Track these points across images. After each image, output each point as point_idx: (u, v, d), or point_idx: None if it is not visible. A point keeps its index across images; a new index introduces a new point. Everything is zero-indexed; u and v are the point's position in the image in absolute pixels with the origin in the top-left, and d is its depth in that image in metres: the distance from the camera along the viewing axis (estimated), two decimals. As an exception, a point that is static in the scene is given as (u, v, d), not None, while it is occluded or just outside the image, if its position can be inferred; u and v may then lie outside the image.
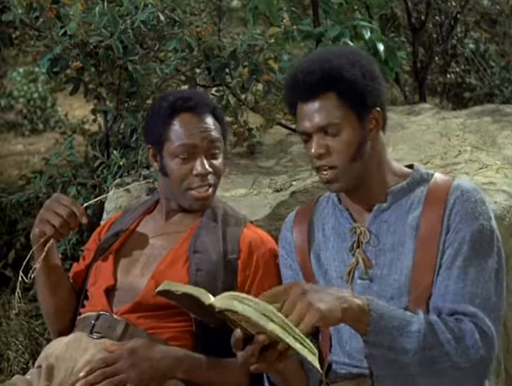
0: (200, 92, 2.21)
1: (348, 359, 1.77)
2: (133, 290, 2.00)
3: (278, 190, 2.73)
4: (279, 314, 1.47)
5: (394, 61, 3.32)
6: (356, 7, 3.80)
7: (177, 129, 2.06)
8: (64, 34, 2.69)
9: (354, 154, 1.74)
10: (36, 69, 6.49)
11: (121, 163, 2.81)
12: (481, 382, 1.66)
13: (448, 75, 4.98)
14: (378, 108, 1.77)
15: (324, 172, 1.76)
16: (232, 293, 1.52)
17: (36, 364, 1.98)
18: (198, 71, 3.18)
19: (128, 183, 2.70)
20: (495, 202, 2.33)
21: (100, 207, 2.76)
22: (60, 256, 2.20)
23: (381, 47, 3.23)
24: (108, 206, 2.66)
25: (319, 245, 1.86)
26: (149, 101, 2.90)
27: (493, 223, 1.71)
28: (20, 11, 2.75)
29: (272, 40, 2.95)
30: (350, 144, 1.74)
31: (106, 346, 1.89)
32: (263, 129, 3.38)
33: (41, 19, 2.77)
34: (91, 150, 3.63)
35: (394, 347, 1.57)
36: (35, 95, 6.65)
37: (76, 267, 2.22)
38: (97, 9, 2.68)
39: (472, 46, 5.06)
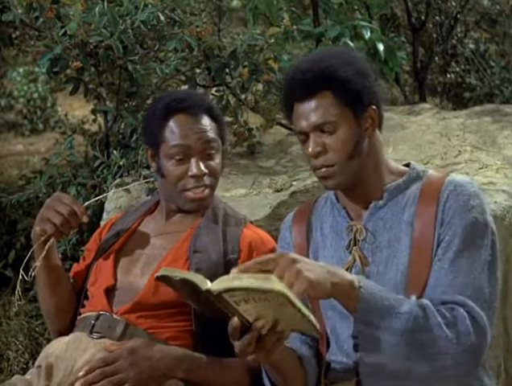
0: (196, 93, 2.21)
1: (346, 359, 1.77)
2: (133, 290, 2.00)
3: (278, 190, 2.74)
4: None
5: (394, 61, 3.32)
6: (356, 7, 3.80)
7: (172, 131, 2.06)
8: (64, 34, 2.70)
9: (351, 152, 1.75)
10: (36, 69, 6.49)
11: (121, 163, 2.81)
12: (472, 371, 1.65)
13: (448, 75, 4.99)
14: (374, 107, 1.78)
15: (322, 169, 1.77)
16: (228, 275, 1.50)
17: (36, 364, 1.98)
18: (198, 71, 3.18)
19: (128, 183, 2.70)
20: (495, 202, 2.33)
21: (100, 207, 2.76)
22: (60, 256, 2.20)
23: (381, 47, 3.23)
24: (108, 206, 2.66)
25: (317, 244, 1.87)
26: (149, 101, 2.90)
27: (488, 216, 1.71)
28: (20, 11, 2.75)
29: (272, 40, 2.95)
30: (347, 141, 1.75)
31: (106, 345, 1.89)
32: (263, 129, 3.38)
33: (41, 19, 2.77)
34: (91, 150, 3.63)
35: (382, 327, 1.58)
36: (35, 95, 6.65)
37: (77, 267, 2.22)
38: (97, 9, 2.68)
39: (472, 46, 5.06)
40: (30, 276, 2.04)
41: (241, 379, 1.93)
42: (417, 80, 4.46)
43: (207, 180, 2.07)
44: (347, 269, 1.77)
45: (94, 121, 3.78)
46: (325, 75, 1.74)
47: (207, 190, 2.08)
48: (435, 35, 4.65)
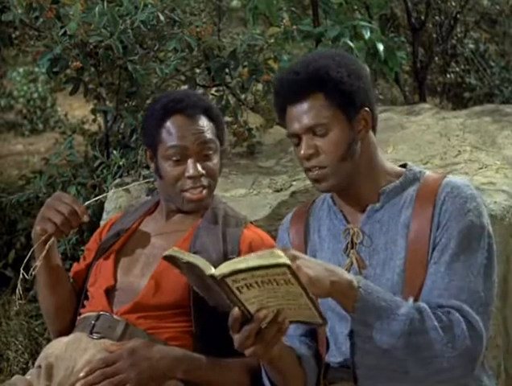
0: (193, 93, 2.21)
1: (344, 360, 1.77)
2: (133, 290, 2.00)
3: (278, 191, 2.73)
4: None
5: (394, 61, 3.31)
6: (356, 7, 3.80)
7: (169, 132, 2.06)
8: (64, 34, 2.70)
9: (343, 154, 1.75)
10: (36, 69, 6.49)
11: (120, 163, 2.81)
12: (468, 375, 1.65)
13: (448, 75, 4.99)
14: (367, 109, 1.78)
15: (314, 171, 1.77)
16: (233, 260, 1.50)
17: (36, 364, 1.98)
18: (198, 71, 3.18)
19: (128, 183, 2.70)
20: (495, 202, 2.33)
21: (100, 207, 2.76)
22: (60, 255, 2.20)
23: (381, 47, 3.23)
24: (108, 206, 2.66)
25: (315, 246, 1.87)
26: (149, 101, 2.90)
27: (485, 219, 1.71)
28: (20, 11, 2.75)
29: (272, 40, 2.95)
30: (339, 144, 1.74)
31: (106, 346, 1.89)
32: (263, 129, 3.38)
33: (41, 19, 2.77)
34: (91, 150, 3.63)
35: (379, 328, 1.58)
36: (35, 95, 6.65)
37: (77, 267, 2.22)
38: (96, 9, 2.68)
39: (472, 46, 5.06)
40: (31, 275, 2.04)
41: (241, 380, 1.93)
42: (417, 80, 4.46)
43: (204, 181, 2.07)
44: None
45: (94, 121, 3.78)
46: (317, 76, 1.74)
47: (205, 191, 2.08)
48: (434, 35, 4.65)
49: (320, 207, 1.92)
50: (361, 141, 1.78)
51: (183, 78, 3.09)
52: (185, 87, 3.08)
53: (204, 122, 2.08)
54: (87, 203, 2.19)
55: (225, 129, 2.28)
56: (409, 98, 4.52)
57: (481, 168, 2.63)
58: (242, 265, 1.44)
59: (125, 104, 2.98)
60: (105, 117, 3.15)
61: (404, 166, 1.86)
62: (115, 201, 2.65)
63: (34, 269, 2.05)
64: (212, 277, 1.48)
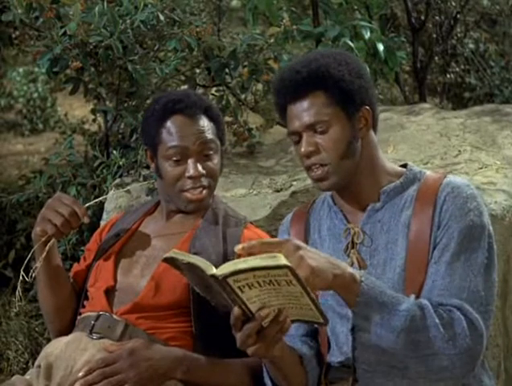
0: (193, 93, 2.21)
1: (345, 359, 1.77)
2: (133, 291, 2.00)
3: (278, 191, 2.73)
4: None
5: (394, 61, 3.31)
6: (356, 7, 3.80)
7: (169, 132, 2.06)
8: (64, 34, 2.69)
9: (344, 152, 1.75)
10: (36, 69, 6.49)
11: (120, 163, 2.81)
12: (468, 373, 1.65)
13: (448, 75, 4.99)
14: (367, 107, 1.78)
15: (315, 170, 1.76)
16: (234, 260, 1.50)
17: (36, 364, 1.98)
18: (198, 71, 3.18)
19: (128, 183, 2.70)
20: (495, 202, 2.33)
21: (100, 207, 2.76)
22: (60, 256, 2.20)
23: (381, 47, 3.23)
24: (108, 206, 2.66)
25: (315, 246, 1.86)
26: (149, 101, 2.90)
27: (485, 218, 1.71)
28: (20, 11, 2.75)
29: (272, 40, 2.95)
30: (339, 141, 1.75)
31: (106, 346, 1.89)
32: (263, 129, 3.38)
33: (41, 19, 2.77)
34: (91, 150, 3.63)
35: (380, 323, 1.59)
36: (35, 95, 6.65)
37: (77, 267, 2.22)
38: (96, 9, 2.68)
39: (471, 46, 5.06)
40: (31, 276, 2.04)
41: (241, 380, 1.93)
42: (417, 79, 4.46)
43: (204, 181, 2.07)
44: None
45: (94, 120, 3.78)
46: (318, 74, 1.74)
47: (205, 191, 2.08)
48: (434, 35, 4.65)
49: (320, 207, 1.92)
50: (361, 139, 1.78)
51: (183, 78, 3.09)
52: (185, 87, 3.08)
53: (204, 122, 2.08)
54: (87, 204, 2.19)
55: (225, 129, 2.28)
56: (409, 98, 4.51)
57: (480, 168, 2.63)
58: (244, 266, 1.44)
59: (125, 104, 2.98)
60: (105, 117, 3.14)
61: (404, 166, 1.86)
62: (115, 201, 2.65)
63: (34, 271, 2.05)
64: (213, 276, 1.48)
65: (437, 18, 4.62)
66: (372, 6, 3.73)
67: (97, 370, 1.82)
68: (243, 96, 3.13)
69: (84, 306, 2.09)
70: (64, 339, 1.96)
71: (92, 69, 2.86)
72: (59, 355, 1.91)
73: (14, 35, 3.72)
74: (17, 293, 2.06)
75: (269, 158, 3.12)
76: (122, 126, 3.07)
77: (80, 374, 1.83)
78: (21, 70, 6.78)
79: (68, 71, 2.89)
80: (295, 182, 2.76)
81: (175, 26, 2.89)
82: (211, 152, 2.08)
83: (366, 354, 1.71)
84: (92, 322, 1.96)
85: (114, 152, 2.85)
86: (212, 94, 3.11)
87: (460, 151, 2.79)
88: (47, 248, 2.03)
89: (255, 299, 1.49)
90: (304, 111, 1.76)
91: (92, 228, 2.67)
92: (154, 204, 2.23)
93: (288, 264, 1.42)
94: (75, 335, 1.97)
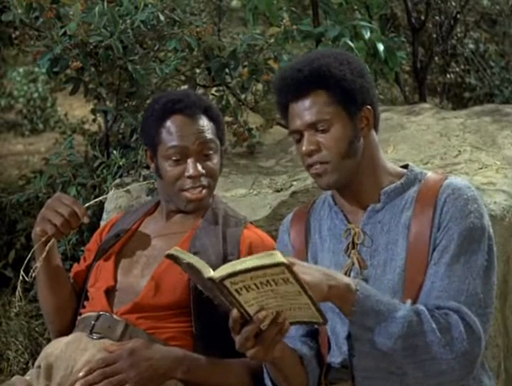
0: (193, 93, 2.21)
1: (344, 360, 1.77)
2: (133, 291, 2.00)
3: (278, 191, 2.73)
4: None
5: (394, 61, 3.31)
6: (356, 7, 3.80)
7: (169, 132, 2.06)
8: (64, 34, 2.70)
9: (345, 151, 1.75)
10: (36, 69, 6.49)
11: (121, 163, 2.81)
12: (466, 377, 1.65)
13: (448, 76, 4.99)
14: (369, 107, 1.78)
15: (316, 166, 1.77)
16: (231, 262, 1.50)
17: (36, 364, 1.98)
18: (198, 71, 3.18)
19: (128, 183, 2.70)
20: (495, 202, 2.33)
21: (100, 207, 2.76)
22: (60, 256, 2.20)
23: (381, 47, 3.23)
24: (108, 206, 2.66)
25: (316, 247, 1.86)
26: (149, 101, 2.90)
27: (485, 221, 1.71)
28: (20, 11, 2.75)
29: (272, 40, 2.95)
30: (341, 140, 1.75)
31: (106, 346, 1.89)
32: (263, 129, 3.38)
33: (41, 19, 2.77)
34: (91, 150, 3.63)
35: (377, 331, 1.59)
36: (35, 95, 6.64)
37: (77, 267, 2.22)
38: (96, 9, 2.68)
39: (471, 46, 5.06)
40: (31, 276, 2.04)
41: (241, 380, 1.93)
42: (417, 79, 4.46)
43: (204, 181, 2.07)
44: (345, 272, 1.77)
45: (94, 120, 3.78)
46: (319, 73, 1.74)
47: (204, 191, 2.08)
48: (434, 35, 4.65)
49: (320, 207, 1.91)
50: (363, 138, 1.78)
51: (183, 78, 3.09)
52: (185, 87, 3.08)
53: (204, 122, 2.08)
54: (87, 204, 2.19)
55: (225, 129, 2.28)
56: (409, 98, 4.51)
57: (480, 168, 2.63)
58: (240, 267, 1.44)
59: (125, 104, 2.98)
60: (105, 117, 3.15)
61: (405, 166, 1.86)
62: (115, 201, 2.65)
63: (34, 271, 2.05)
64: (210, 279, 1.48)
65: (437, 18, 4.62)
66: (372, 6, 3.73)
67: (98, 370, 1.82)
68: (243, 96, 3.13)
69: (84, 307, 2.09)
70: (64, 339, 1.96)
71: (93, 69, 2.86)
72: (59, 356, 1.91)
73: (14, 35, 3.71)
74: (17, 293, 2.06)
75: (269, 158, 3.12)
76: (122, 126, 3.07)
77: (81, 374, 1.83)
78: (21, 70, 6.78)
79: (68, 71, 2.89)
80: (295, 183, 2.76)
81: (175, 26, 2.89)
82: (210, 152, 2.09)
83: (364, 361, 1.70)
84: (93, 322, 1.96)
85: (114, 152, 2.85)
86: (212, 94, 3.11)
87: (460, 151, 2.79)
88: (47, 248, 2.03)
89: (253, 302, 1.49)
90: (306, 110, 1.76)
91: (92, 228, 2.67)
92: (154, 204, 2.23)
93: (285, 261, 1.42)
94: (75, 335, 1.97)
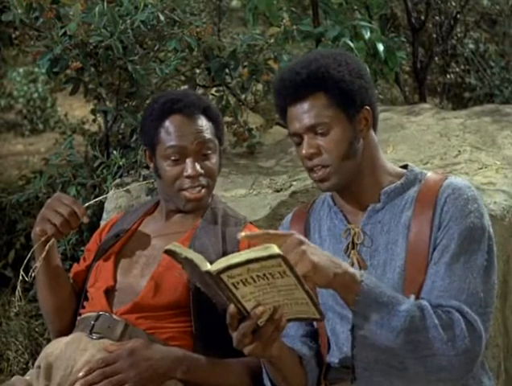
0: (192, 93, 2.21)
1: (345, 359, 1.77)
2: (132, 291, 2.00)
3: (278, 191, 2.74)
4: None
5: (394, 61, 3.31)
6: (356, 7, 3.80)
7: (167, 131, 2.06)
8: (64, 34, 2.70)
9: (346, 153, 1.75)
10: (36, 69, 6.49)
11: (120, 163, 2.81)
12: (466, 375, 1.65)
13: (448, 76, 4.99)
14: (368, 107, 1.78)
15: (317, 171, 1.77)
16: (228, 255, 1.50)
17: (36, 365, 1.98)
18: (198, 71, 3.19)
19: (128, 183, 2.70)
20: (495, 202, 2.33)
21: (100, 207, 2.76)
22: (60, 256, 2.20)
23: (381, 47, 3.23)
24: (108, 206, 2.66)
25: (315, 247, 1.86)
26: (148, 101, 2.90)
27: (486, 220, 1.71)
28: (20, 11, 2.75)
29: (272, 40, 2.95)
30: (340, 142, 1.75)
31: (105, 346, 1.89)
32: (263, 129, 3.39)
33: (41, 19, 2.77)
34: (91, 150, 3.63)
35: (380, 323, 1.59)
36: (35, 95, 6.65)
37: (77, 267, 2.22)
38: (96, 9, 2.68)
39: (471, 46, 5.06)
40: (31, 276, 2.04)
41: (241, 380, 1.93)
42: (417, 80, 4.46)
43: (203, 180, 2.07)
44: None
45: (94, 121, 3.78)
46: (317, 75, 1.74)
47: (203, 191, 2.08)
48: (434, 35, 4.65)
49: (320, 208, 1.92)
50: (362, 139, 1.78)
51: (183, 78, 3.09)
52: (185, 87, 3.08)
53: (202, 122, 2.08)
54: (87, 204, 2.19)
55: (224, 129, 2.28)
56: (409, 98, 4.51)
57: (480, 168, 2.63)
58: (237, 259, 1.44)
59: (125, 104, 2.98)
60: (105, 117, 3.15)
61: (405, 166, 1.86)
62: (115, 201, 2.65)
63: (34, 270, 2.05)
64: (207, 273, 1.48)
65: (437, 18, 4.62)
66: (372, 6, 3.73)
67: (97, 370, 1.82)
68: (243, 97, 3.13)
69: (83, 307, 2.09)
70: (64, 340, 1.96)
71: (93, 69, 2.86)
72: (59, 356, 1.91)
73: (14, 35, 3.72)
74: (17, 292, 2.06)
75: (269, 159, 3.12)
76: (122, 126, 3.07)
77: (81, 374, 1.83)
78: (21, 70, 6.78)
79: (68, 71, 2.89)
80: (294, 183, 2.76)
81: (175, 26, 2.89)
82: (209, 151, 2.09)
83: (365, 352, 1.71)
84: (92, 323, 1.96)
85: (114, 152, 2.85)
86: (212, 94, 3.11)
87: (459, 151, 2.79)
88: (46, 247, 2.03)
89: (250, 297, 1.49)
90: (305, 113, 1.76)
91: (92, 228, 2.67)
92: (153, 204, 2.23)
93: (281, 253, 1.43)
94: (75, 335, 1.97)
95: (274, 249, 1.43)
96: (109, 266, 2.07)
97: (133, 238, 2.13)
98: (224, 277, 1.46)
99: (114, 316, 1.96)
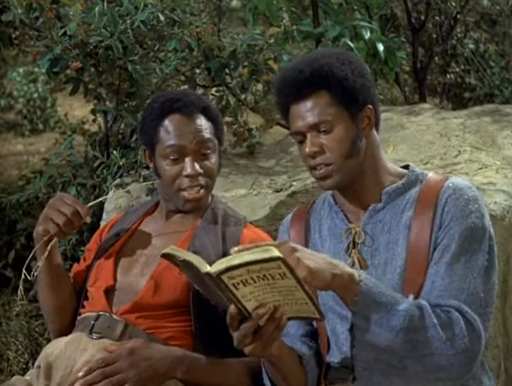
0: (191, 93, 2.21)
1: (345, 359, 1.77)
2: (132, 290, 2.00)
3: (278, 191, 2.74)
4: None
5: (394, 61, 3.31)
6: (356, 7, 3.80)
7: (166, 131, 2.06)
8: (64, 34, 2.70)
9: (348, 151, 1.75)
10: (36, 69, 6.49)
11: (120, 163, 2.81)
12: (465, 374, 1.65)
13: (448, 76, 4.99)
14: (370, 106, 1.78)
15: (319, 169, 1.77)
16: (228, 257, 1.50)
17: (36, 365, 1.98)
18: (198, 71, 3.19)
19: (128, 184, 2.70)
20: (495, 202, 2.33)
21: (100, 208, 2.76)
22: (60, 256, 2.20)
23: (381, 47, 3.23)
24: (108, 206, 2.66)
25: (316, 246, 1.86)
26: (148, 101, 2.90)
27: (486, 221, 1.72)
28: (20, 11, 2.75)
29: (272, 40, 2.95)
30: (343, 140, 1.75)
31: (105, 346, 1.89)
32: (263, 129, 3.38)
33: (41, 19, 2.77)
34: (91, 150, 3.63)
35: (379, 323, 1.59)
36: (35, 95, 6.65)
37: (77, 267, 2.22)
38: (96, 9, 2.68)
39: (471, 46, 5.06)
40: (33, 275, 2.04)
41: (241, 380, 1.93)
42: (417, 80, 4.46)
43: (202, 180, 2.07)
44: None
45: (94, 121, 3.78)
46: (321, 73, 1.74)
47: (202, 191, 2.08)
48: (434, 35, 4.66)
49: (320, 207, 1.92)
50: (365, 138, 1.78)
51: (183, 78, 3.09)
52: (185, 87, 3.08)
53: (202, 121, 2.08)
54: (90, 204, 2.19)
55: (224, 129, 2.28)
56: (409, 98, 4.52)
57: (480, 168, 2.63)
58: (237, 261, 1.45)
59: (125, 104, 2.98)
60: (105, 117, 3.15)
61: (406, 167, 1.86)
62: (115, 201, 2.65)
63: (36, 270, 2.05)
64: (207, 274, 1.48)
65: (437, 18, 4.62)
66: (372, 6, 3.73)
67: (97, 370, 1.82)
68: (243, 97, 3.13)
69: (83, 306, 2.09)
70: (64, 339, 1.96)
71: (93, 69, 2.86)
72: (59, 355, 1.91)
73: (14, 35, 3.72)
74: (19, 291, 2.05)
75: (269, 159, 3.12)
76: (122, 126, 3.07)
77: (80, 374, 1.83)
78: (21, 70, 6.78)
79: (68, 71, 2.89)
80: (294, 183, 2.76)
81: (175, 26, 2.89)
82: (208, 151, 2.09)
83: (364, 352, 1.71)
84: (92, 322, 1.96)
85: (114, 152, 2.85)
86: (212, 94, 3.11)
87: (459, 151, 2.79)
88: (48, 247, 2.03)
89: (250, 297, 1.49)
90: (308, 111, 1.75)
91: (92, 229, 2.67)
92: (153, 204, 2.23)
93: (281, 255, 1.43)
94: (75, 335, 1.97)
95: (274, 252, 1.43)
96: (110, 265, 2.07)
97: (133, 237, 2.13)
98: (224, 277, 1.46)
99: (114, 316, 1.96)
